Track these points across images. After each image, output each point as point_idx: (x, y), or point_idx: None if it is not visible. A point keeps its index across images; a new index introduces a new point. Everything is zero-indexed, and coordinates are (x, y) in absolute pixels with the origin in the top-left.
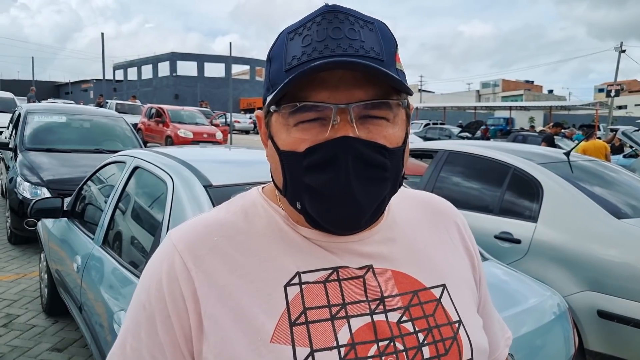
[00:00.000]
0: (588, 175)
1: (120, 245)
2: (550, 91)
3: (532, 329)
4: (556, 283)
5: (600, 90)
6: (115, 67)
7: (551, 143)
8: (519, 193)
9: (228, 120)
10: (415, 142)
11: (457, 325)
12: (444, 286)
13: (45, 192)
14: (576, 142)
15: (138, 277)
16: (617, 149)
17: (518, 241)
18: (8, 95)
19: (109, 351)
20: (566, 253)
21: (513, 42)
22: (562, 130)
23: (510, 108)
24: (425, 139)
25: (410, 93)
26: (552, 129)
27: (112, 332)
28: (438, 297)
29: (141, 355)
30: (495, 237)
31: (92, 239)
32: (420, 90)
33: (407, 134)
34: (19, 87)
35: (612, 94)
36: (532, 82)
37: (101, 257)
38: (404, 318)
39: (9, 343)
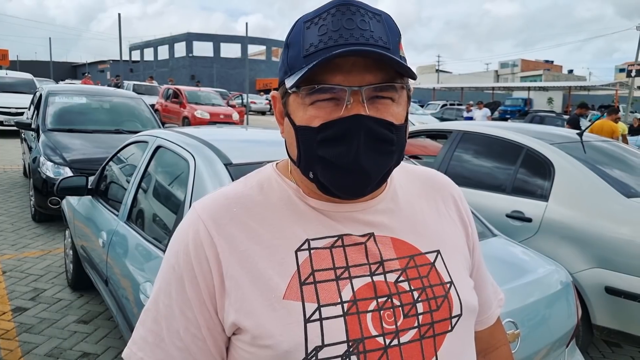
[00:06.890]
0: (600, 155)
1: (144, 222)
2: (570, 71)
3: (537, 300)
4: (565, 260)
5: (622, 70)
6: (132, 48)
7: (575, 125)
8: (531, 172)
9: (244, 101)
10: (431, 123)
11: (448, 285)
12: (438, 252)
13: (67, 172)
14: (591, 122)
15: (162, 251)
16: (636, 130)
17: (529, 220)
18: (27, 76)
19: (135, 322)
20: (576, 231)
21: (539, 21)
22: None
23: (529, 88)
24: (442, 119)
25: (414, 77)
26: (577, 110)
27: (139, 303)
28: (432, 261)
29: (172, 310)
30: (507, 215)
31: (117, 216)
32: (437, 70)
33: (407, 113)
34: (37, 68)
35: (633, 74)
36: (552, 62)
37: (126, 233)
38: (401, 278)
39: (38, 315)
